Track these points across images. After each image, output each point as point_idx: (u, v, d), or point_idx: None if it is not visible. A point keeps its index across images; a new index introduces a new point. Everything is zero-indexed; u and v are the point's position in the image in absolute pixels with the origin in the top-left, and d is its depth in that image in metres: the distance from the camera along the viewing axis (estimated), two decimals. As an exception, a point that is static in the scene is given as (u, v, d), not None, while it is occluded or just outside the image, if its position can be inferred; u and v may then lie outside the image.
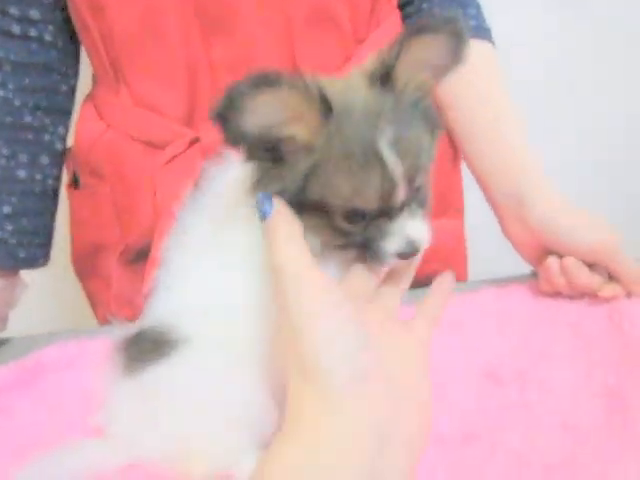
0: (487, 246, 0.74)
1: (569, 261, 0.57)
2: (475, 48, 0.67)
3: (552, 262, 0.58)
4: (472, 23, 0.69)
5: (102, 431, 0.49)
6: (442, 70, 0.40)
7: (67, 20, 0.67)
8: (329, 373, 0.33)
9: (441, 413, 0.48)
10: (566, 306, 0.60)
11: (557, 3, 1.21)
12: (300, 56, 0.61)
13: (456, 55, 0.39)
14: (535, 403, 0.48)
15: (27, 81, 0.65)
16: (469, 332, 0.58)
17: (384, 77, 0.38)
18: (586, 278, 0.57)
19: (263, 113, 0.36)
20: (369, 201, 0.37)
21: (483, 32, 0.70)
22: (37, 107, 0.66)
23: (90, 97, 0.70)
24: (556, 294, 0.61)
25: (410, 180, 0.37)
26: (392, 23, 0.69)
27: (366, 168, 0.36)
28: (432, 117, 0.40)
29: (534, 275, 0.66)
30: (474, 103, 0.67)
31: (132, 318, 0.48)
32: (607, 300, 0.57)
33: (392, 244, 0.39)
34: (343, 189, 0.37)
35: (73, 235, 0.75)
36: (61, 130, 0.69)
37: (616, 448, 0.42)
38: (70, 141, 0.72)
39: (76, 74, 0.71)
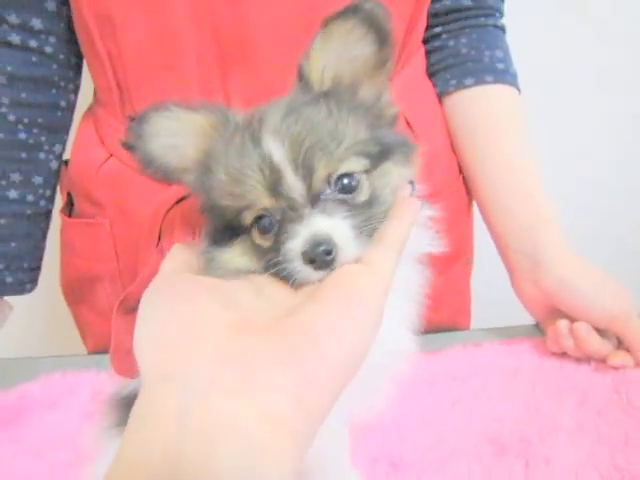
0: (492, 291, 0.72)
1: (581, 326, 0.56)
2: (500, 95, 0.65)
3: (563, 326, 0.57)
4: (499, 67, 0.67)
5: None
6: (372, 58, 0.38)
7: (71, 31, 0.62)
8: None
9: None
10: (572, 369, 0.58)
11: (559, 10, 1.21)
12: None
13: (378, 39, 0.38)
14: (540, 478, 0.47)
15: (24, 95, 0.61)
16: (474, 392, 0.57)
17: (299, 77, 0.39)
18: (597, 343, 0.56)
19: (163, 136, 0.39)
20: (256, 192, 0.35)
21: (510, 77, 0.68)
22: (33, 123, 0.62)
23: (91, 116, 0.66)
24: (562, 354, 0.60)
25: (304, 167, 0.35)
26: (420, 58, 0.67)
27: (243, 154, 0.36)
28: (369, 107, 0.39)
29: (537, 328, 0.66)
30: (495, 157, 0.65)
31: (131, 372, 0.45)
32: (615, 368, 0.56)
33: (294, 243, 0.35)
34: (226, 182, 0.36)
35: (63, 260, 0.71)
36: (57, 148, 0.65)
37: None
38: (66, 156, 0.68)
39: (76, 89, 0.67)
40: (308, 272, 0.34)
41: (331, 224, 0.35)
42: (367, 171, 0.38)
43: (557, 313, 0.59)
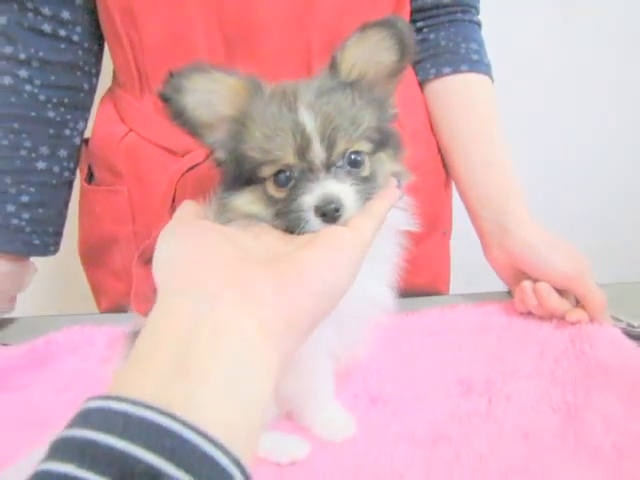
0: (470, 262, 0.79)
1: (542, 285, 0.63)
2: (475, 82, 0.73)
3: (526, 285, 0.64)
4: (474, 57, 0.74)
5: None
6: (392, 66, 0.47)
7: (95, 22, 0.70)
8: None
9: (417, 416, 0.55)
10: (535, 326, 0.65)
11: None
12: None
13: (400, 56, 0.46)
14: (500, 413, 0.54)
15: (53, 78, 0.69)
16: (447, 344, 0.64)
17: (331, 64, 0.46)
18: (556, 302, 0.63)
19: (200, 92, 0.45)
20: (286, 151, 0.43)
21: (484, 67, 0.75)
22: (60, 103, 0.70)
23: (110, 97, 0.74)
24: (528, 314, 0.67)
25: (329, 140, 0.43)
26: None
27: (280, 119, 0.43)
28: (380, 103, 0.47)
29: (509, 294, 0.73)
30: (470, 136, 0.72)
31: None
32: (572, 324, 0.63)
33: (310, 198, 0.42)
34: (262, 146, 0.43)
35: (82, 226, 0.78)
36: (80, 125, 0.73)
37: (568, 457, 0.48)
38: (87, 134, 0.76)
39: (98, 74, 0.74)
40: (316, 223, 0.42)
41: (341, 188, 0.43)
42: (369, 154, 0.46)
43: (523, 276, 0.66)
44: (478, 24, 0.77)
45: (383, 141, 0.47)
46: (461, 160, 0.73)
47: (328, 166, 0.43)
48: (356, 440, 0.51)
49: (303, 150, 0.42)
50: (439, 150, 0.77)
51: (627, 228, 1.39)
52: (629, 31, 1.28)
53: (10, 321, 0.74)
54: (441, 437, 0.51)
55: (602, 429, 0.49)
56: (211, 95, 0.45)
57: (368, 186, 0.44)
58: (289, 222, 0.43)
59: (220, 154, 0.47)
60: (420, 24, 0.76)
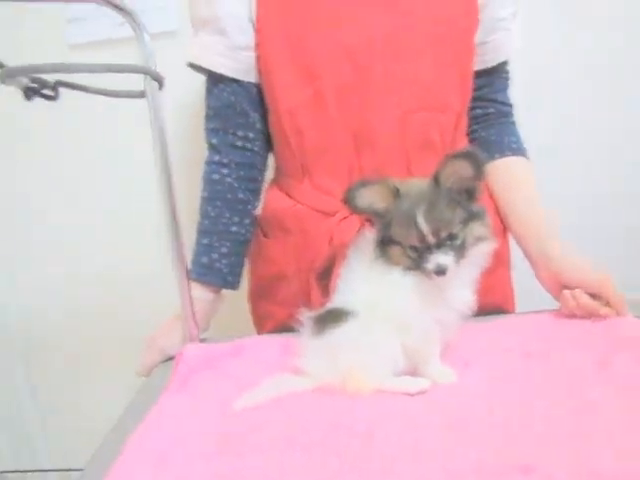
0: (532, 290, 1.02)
1: (578, 291, 0.88)
2: (518, 162, 1.10)
3: (566, 293, 0.90)
4: (514, 146, 1.08)
5: (297, 370, 0.76)
6: (471, 179, 0.71)
7: (267, 139, 1.07)
8: None
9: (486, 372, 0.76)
10: (579, 323, 0.89)
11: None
12: (414, 168, 0.97)
13: (477, 173, 0.71)
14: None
15: (242, 173, 1.04)
16: (512, 339, 0.88)
17: (434, 178, 0.72)
18: (590, 302, 0.87)
19: (366, 197, 0.74)
20: (414, 241, 0.71)
21: (522, 151, 1.09)
22: (246, 189, 1.05)
23: (275, 183, 1.10)
24: (571, 316, 0.91)
25: (435, 233, 0.70)
26: (465, 144, 1.09)
27: (409, 224, 0.73)
28: (462, 202, 0.72)
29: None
30: (519, 196, 1.04)
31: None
32: (604, 318, 0.87)
33: (429, 265, 0.71)
34: (400, 234, 0.75)
35: (255, 268, 1.10)
36: (257, 203, 1.08)
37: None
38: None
39: (266, 169, 1.11)
40: (433, 276, 0.71)
41: (444, 258, 0.70)
42: (461, 229, 0.71)
43: (564, 288, 0.91)
44: (514, 123, 1.11)
45: (471, 217, 0.72)
46: (515, 219, 1.03)
47: (437, 245, 0.70)
48: (453, 387, 0.73)
49: (422, 239, 0.71)
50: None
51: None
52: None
53: (203, 340, 1.00)
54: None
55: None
56: (371, 198, 0.75)
57: (462, 249, 0.72)
58: (420, 271, 0.73)
59: (377, 225, 0.78)
60: (475, 127, 1.09)
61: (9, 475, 1.73)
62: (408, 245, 0.73)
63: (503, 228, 1.06)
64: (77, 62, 0.78)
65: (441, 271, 0.71)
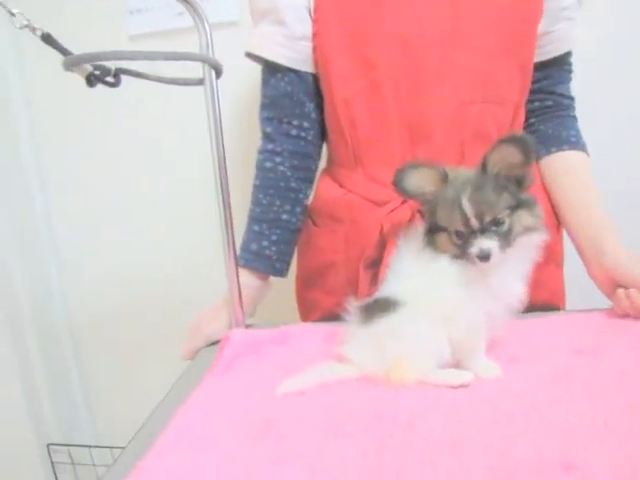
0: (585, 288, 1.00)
1: (633, 290, 0.86)
2: (576, 156, 1.07)
3: (620, 291, 0.88)
4: (572, 140, 1.05)
5: (341, 358, 0.77)
6: (520, 166, 0.70)
7: (321, 129, 1.08)
8: None
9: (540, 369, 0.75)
10: (631, 323, 0.87)
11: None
12: (468, 160, 0.94)
13: (525, 159, 0.70)
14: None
15: (295, 162, 1.05)
16: (564, 336, 0.86)
17: (482, 164, 0.71)
18: None
19: (415, 180, 0.75)
20: (458, 225, 0.71)
21: (581, 146, 1.06)
22: (298, 178, 1.07)
23: (327, 173, 1.12)
24: (624, 316, 0.88)
25: (479, 217, 0.69)
26: None
27: (454, 207, 0.73)
28: (510, 188, 0.71)
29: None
30: (575, 190, 1.02)
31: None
32: None
33: (473, 249, 0.70)
34: (445, 218, 0.74)
35: (303, 257, 1.11)
36: (309, 192, 1.10)
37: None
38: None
39: (320, 159, 1.12)
40: (477, 262, 0.70)
41: (489, 243, 0.70)
42: (508, 216, 0.70)
43: (617, 286, 0.88)
44: (574, 117, 1.08)
45: (520, 205, 0.71)
46: (571, 213, 1.01)
47: (482, 230, 0.70)
48: (498, 381, 0.72)
49: (466, 223, 0.70)
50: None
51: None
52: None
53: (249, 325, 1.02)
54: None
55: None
56: (420, 181, 0.75)
57: (508, 236, 0.70)
58: (465, 258, 0.72)
59: (424, 210, 0.78)
60: (532, 120, 1.06)
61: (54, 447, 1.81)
62: (453, 230, 0.73)
63: (557, 224, 1.04)
64: (137, 49, 0.81)
65: (484, 256, 0.70)
